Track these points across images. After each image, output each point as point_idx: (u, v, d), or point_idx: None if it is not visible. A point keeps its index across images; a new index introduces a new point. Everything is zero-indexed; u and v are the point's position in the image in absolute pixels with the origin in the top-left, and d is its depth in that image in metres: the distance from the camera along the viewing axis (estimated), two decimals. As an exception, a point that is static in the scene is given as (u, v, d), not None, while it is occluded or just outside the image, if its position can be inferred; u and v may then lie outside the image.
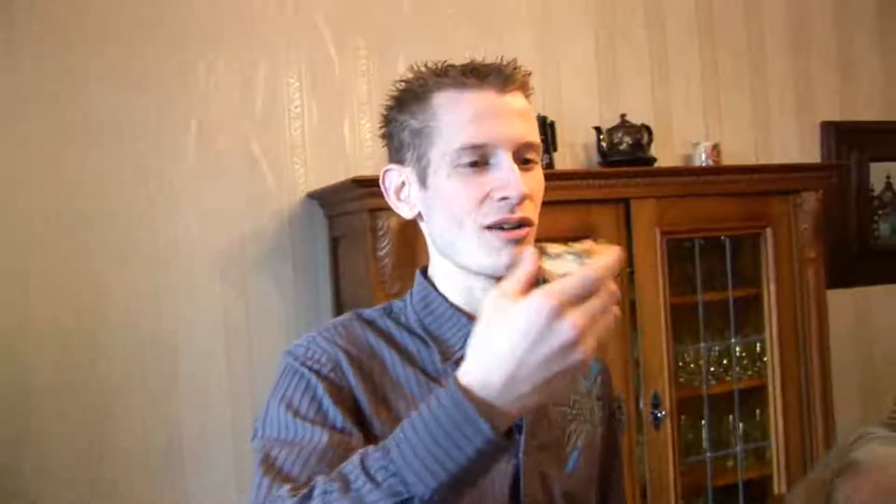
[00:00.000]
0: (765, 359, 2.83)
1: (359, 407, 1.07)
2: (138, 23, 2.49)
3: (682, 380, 2.78)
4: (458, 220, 1.08)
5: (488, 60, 1.13)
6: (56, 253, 2.41)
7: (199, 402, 2.53)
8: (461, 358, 0.87)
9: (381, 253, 2.32)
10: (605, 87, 3.03)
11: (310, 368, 1.08)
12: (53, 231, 2.41)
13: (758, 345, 2.87)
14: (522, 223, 1.07)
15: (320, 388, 1.06)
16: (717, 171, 2.86)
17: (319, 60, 2.68)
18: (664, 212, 2.64)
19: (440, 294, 1.16)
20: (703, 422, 2.82)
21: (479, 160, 1.07)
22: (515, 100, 1.11)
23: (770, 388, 2.81)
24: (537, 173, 1.12)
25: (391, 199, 1.17)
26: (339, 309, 2.62)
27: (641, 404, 2.60)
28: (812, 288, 2.82)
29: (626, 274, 2.56)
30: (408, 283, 1.22)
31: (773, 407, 2.80)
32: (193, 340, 2.53)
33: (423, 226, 1.17)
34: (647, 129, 2.86)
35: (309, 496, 0.86)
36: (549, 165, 2.69)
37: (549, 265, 0.86)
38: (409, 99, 1.13)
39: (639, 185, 2.62)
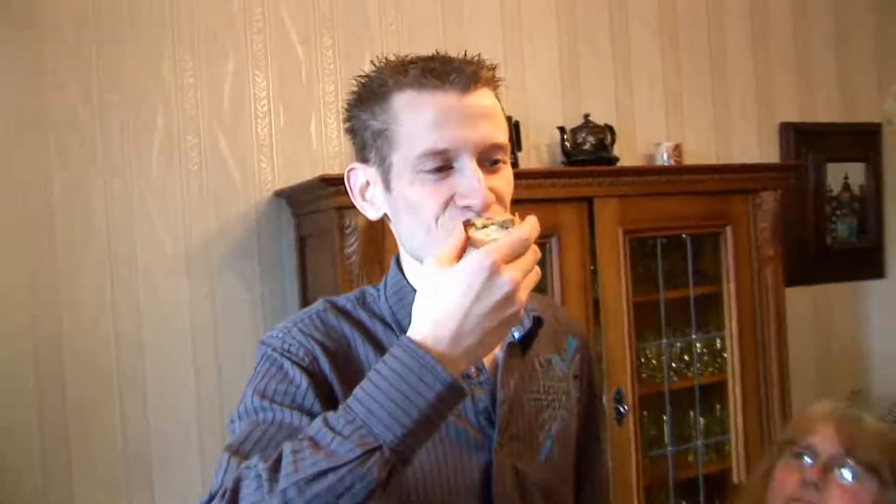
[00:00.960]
0: (725, 355, 2.89)
1: (333, 397, 1.08)
2: (107, 19, 2.51)
3: (644, 376, 2.82)
4: (425, 226, 1.06)
5: (453, 54, 1.09)
6: (18, 253, 2.41)
7: (166, 399, 2.54)
8: None
9: (349, 251, 2.32)
10: (569, 88, 3.07)
11: (290, 360, 1.08)
12: (15, 230, 2.41)
13: (718, 341, 2.92)
14: None
15: (297, 377, 1.06)
16: (678, 170, 2.90)
17: (286, 59, 2.69)
18: (627, 211, 2.68)
19: (413, 289, 1.15)
20: (665, 417, 2.86)
21: (443, 165, 1.04)
22: (480, 99, 1.06)
23: (730, 384, 2.86)
24: (506, 173, 1.09)
25: (356, 200, 1.16)
26: (305, 306, 2.62)
27: (605, 400, 2.62)
28: (771, 286, 2.87)
29: (590, 272, 2.61)
30: (375, 281, 1.22)
31: (733, 402, 2.85)
32: (160, 340, 2.54)
33: (391, 226, 1.16)
34: (610, 129, 2.91)
35: (279, 460, 0.87)
36: (515, 165, 2.73)
37: (477, 234, 0.93)
38: (370, 97, 1.09)
39: (602, 185, 2.65)
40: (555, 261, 2.58)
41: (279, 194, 2.66)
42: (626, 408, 2.63)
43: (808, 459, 1.44)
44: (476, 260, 0.87)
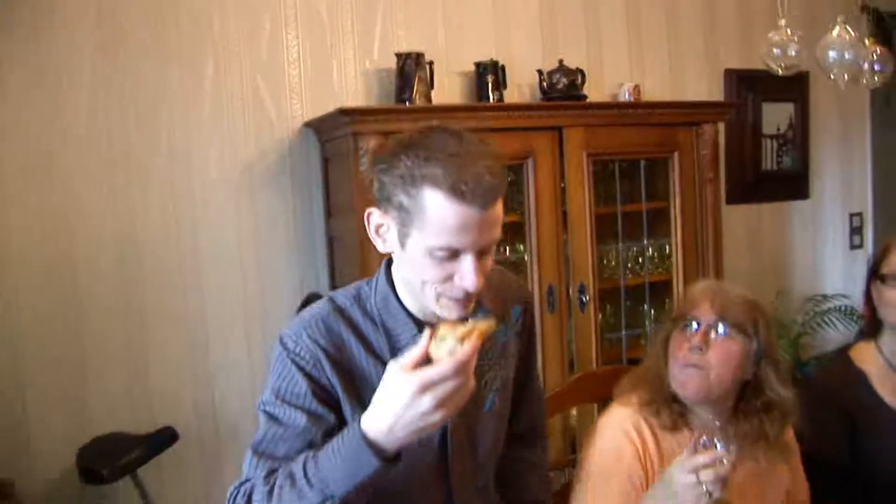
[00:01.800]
0: (671, 259, 3.22)
1: (334, 395, 1.32)
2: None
3: (605, 275, 3.16)
4: (424, 283, 1.26)
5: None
6: (101, 172, 2.78)
7: (219, 290, 2.95)
8: (402, 349, 1.23)
9: (362, 168, 2.62)
10: (547, 38, 3.41)
11: (297, 365, 1.30)
12: (103, 154, 2.78)
13: (666, 247, 3.24)
14: (471, 301, 1.29)
15: (302, 382, 1.29)
16: (634, 105, 3.20)
17: (313, 17, 3.05)
18: (591, 138, 2.97)
19: (398, 298, 1.36)
20: (621, 308, 3.21)
21: (452, 254, 1.22)
22: (492, 212, 1.21)
23: (674, 282, 3.21)
24: (490, 257, 1.28)
25: (371, 234, 1.31)
26: (328, 215, 3.04)
27: (571, 292, 3.00)
28: (710, 202, 3.19)
29: (560, 188, 2.94)
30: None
31: (676, 297, 3.16)
32: (214, 240, 2.95)
33: (394, 255, 1.33)
34: (581, 72, 3.21)
35: (272, 488, 1.18)
36: (500, 100, 3.14)
37: (433, 348, 1.14)
38: (404, 174, 1.20)
39: (570, 116, 2.96)
40: (531, 179, 2.89)
41: (307, 125, 3.01)
42: (587, 297, 3.00)
43: (692, 327, 1.70)
44: (409, 381, 1.09)
